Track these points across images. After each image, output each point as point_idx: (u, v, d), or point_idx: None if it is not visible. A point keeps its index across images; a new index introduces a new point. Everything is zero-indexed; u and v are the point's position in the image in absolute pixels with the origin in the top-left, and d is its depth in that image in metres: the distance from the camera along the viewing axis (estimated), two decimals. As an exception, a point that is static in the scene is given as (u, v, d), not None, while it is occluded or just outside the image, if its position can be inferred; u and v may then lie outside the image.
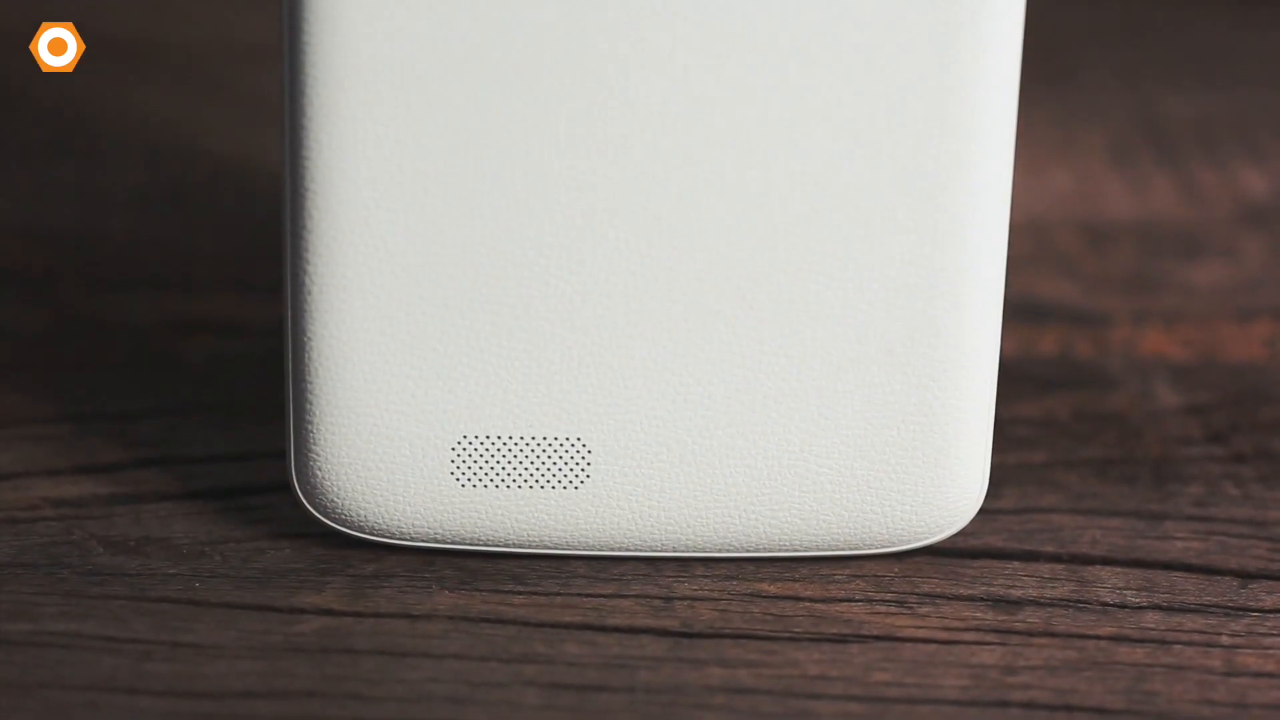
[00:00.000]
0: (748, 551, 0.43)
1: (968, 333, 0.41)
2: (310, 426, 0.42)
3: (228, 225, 0.59)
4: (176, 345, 0.52)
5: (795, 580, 0.43)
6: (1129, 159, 0.66)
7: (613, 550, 0.42)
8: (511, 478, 0.42)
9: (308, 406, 0.42)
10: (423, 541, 0.42)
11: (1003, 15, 0.40)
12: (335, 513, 0.42)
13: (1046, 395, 0.51)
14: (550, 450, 0.42)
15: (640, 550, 0.42)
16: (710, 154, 0.40)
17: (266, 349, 0.51)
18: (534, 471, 0.42)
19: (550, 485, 0.42)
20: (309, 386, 0.41)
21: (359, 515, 0.42)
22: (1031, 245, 0.59)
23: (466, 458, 0.42)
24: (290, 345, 0.42)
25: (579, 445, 0.42)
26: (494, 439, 0.42)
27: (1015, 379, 0.51)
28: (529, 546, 0.42)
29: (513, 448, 0.42)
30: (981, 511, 0.44)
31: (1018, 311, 0.55)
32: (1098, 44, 0.78)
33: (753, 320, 0.41)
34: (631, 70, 0.40)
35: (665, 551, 0.42)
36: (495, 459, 0.42)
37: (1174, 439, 0.49)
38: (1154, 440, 0.49)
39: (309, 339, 0.41)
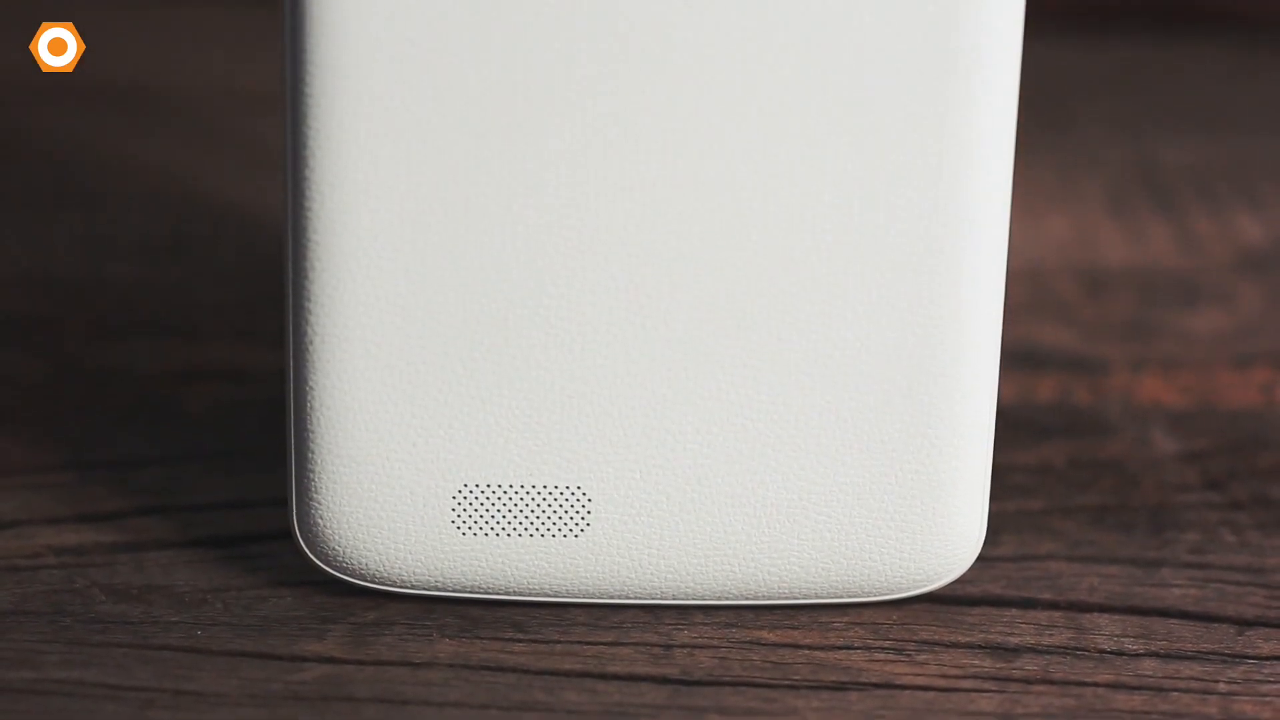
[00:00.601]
0: (747, 599, 0.43)
1: (966, 380, 0.42)
2: (311, 474, 0.42)
3: (230, 273, 0.59)
4: (179, 393, 0.52)
5: (794, 628, 0.43)
6: (1127, 206, 0.67)
7: (612, 598, 0.43)
8: (512, 526, 0.42)
9: (309, 454, 0.42)
10: (424, 589, 0.43)
11: (1000, 64, 0.40)
12: (337, 560, 0.42)
13: (1044, 442, 0.51)
14: (550, 499, 0.42)
15: (640, 598, 0.43)
16: (710, 206, 0.40)
17: (268, 396, 0.51)
18: (534, 520, 0.42)
19: (550, 534, 0.42)
20: (310, 434, 0.42)
21: (360, 563, 0.42)
22: (1030, 292, 0.60)
23: (467, 506, 0.42)
24: (292, 393, 0.42)
25: (579, 494, 0.42)
26: (494, 488, 0.42)
27: (1014, 426, 0.51)
28: (529, 594, 0.43)
29: (513, 496, 0.42)
30: (980, 559, 0.44)
31: (1016, 358, 0.55)
32: (1096, 93, 0.78)
33: (751, 369, 0.41)
34: (629, 135, 0.40)
35: (665, 599, 0.43)
36: (496, 507, 0.42)
37: (1171, 486, 0.49)
38: (1151, 487, 0.49)
39: (310, 388, 0.41)
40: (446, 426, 0.41)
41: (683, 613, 0.43)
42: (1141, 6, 0.86)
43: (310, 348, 0.41)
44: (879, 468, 0.42)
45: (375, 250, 0.41)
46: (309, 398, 0.41)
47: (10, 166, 0.68)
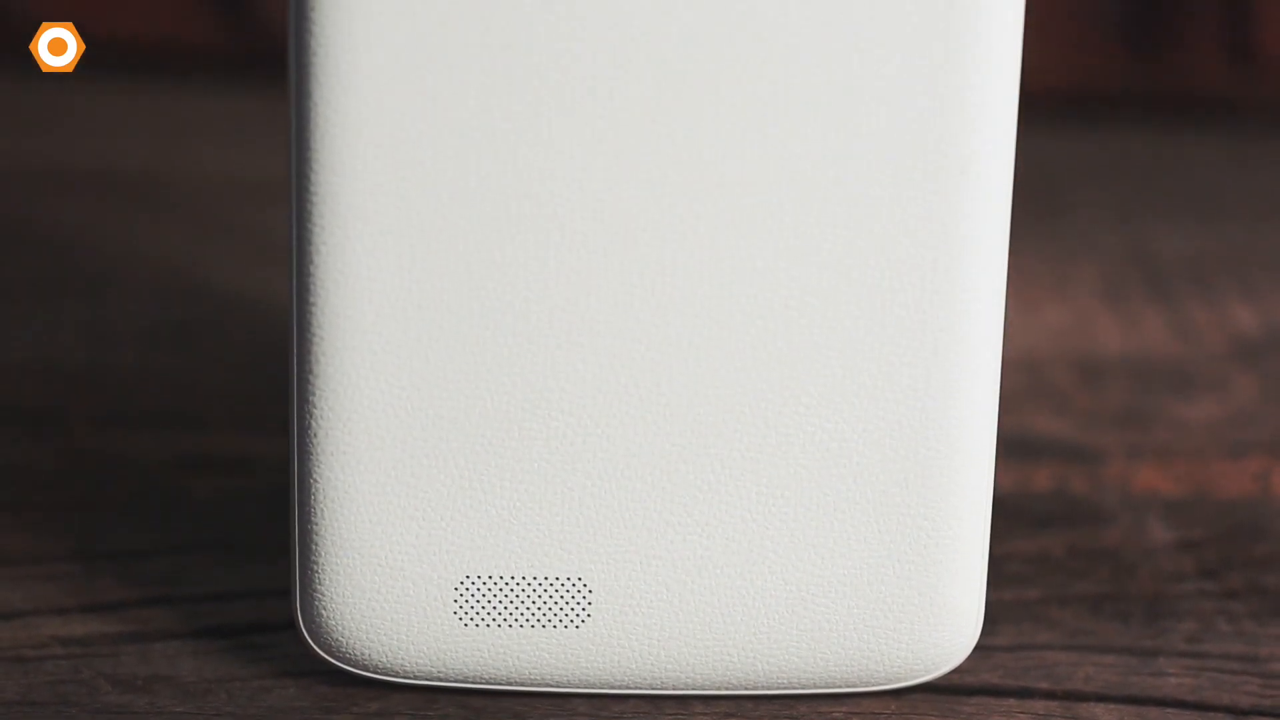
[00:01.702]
0: (746, 689, 0.43)
1: (962, 471, 0.42)
2: (315, 565, 0.42)
3: (235, 362, 0.60)
4: (184, 482, 0.53)
5: (793, 718, 0.43)
6: (1122, 295, 0.67)
7: (614, 688, 0.43)
8: (514, 617, 0.42)
9: (312, 546, 0.42)
10: (426, 680, 0.43)
11: (994, 157, 0.41)
12: (340, 651, 0.43)
13: (1041, 532, 0.51)
14: (551, 590, 0.42)
15: (641, 688, 0.43)
16: (707, 302, 0.41)
17: (273, 486, 0.52)
18: (536, 611, 0.42)
19: (552, 625, 0.42)
20: (314, 526, 0.42)
21: (363, 654, 0.43)
22: (1026, 381, 0.60)
23: (469, 597, 0.42)
24: (296, 484, 0.42)
25: (580, 585, 0.42)
26: (496, 579, 0.42)
27: (1010, 515, 0.52)
28: (531, 685, 0.43)
29: (515, 587, 0.42)
30: (977, 648, 0.45)
31: (1012, 448, 0.55)
32: (1091, 182, 0.79)
33: (750, 461, 0.42)
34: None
35: (665, 689, 0.43)
36: (497, 598, 0.42)
37: (1167, 575, 0.49)
38: (1148, 576, 0.49)
39: (314, 479, 0.42)
40: (448, 519, 0.42)
41: (683, 702, 0.43)
42: (1136, 95, 0.87)
43: (314, 440, 0.42)
44: (877, 558, 0.42)
45: (379, 344, 0.41)
46: (312, 489, 0.42)
47: (16, 254, 0.68)
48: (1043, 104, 0.83)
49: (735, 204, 0.41)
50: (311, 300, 0.41)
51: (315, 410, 0.41)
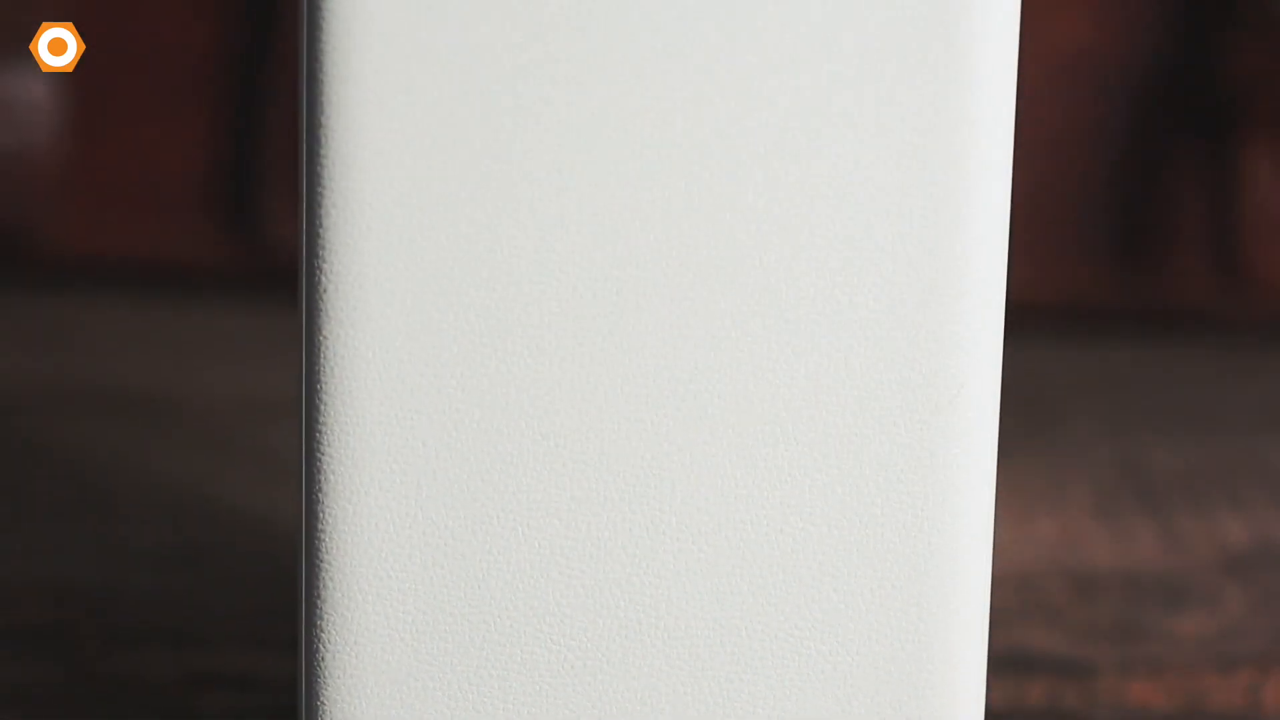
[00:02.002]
0: None
1: (957, 689, 0.43)
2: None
3: (244, 582, 0.61)
4: (191, 700, 0.53)
5: None
6: (1113, 508, 0.68)
7: None
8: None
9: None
10: None
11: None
12: None
13: (1035, 746, 0.52)
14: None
15: None
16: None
17: (280, 705, 0.52)
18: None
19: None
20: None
21: None
22: (1019, 597, 0.61)
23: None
24: (304, 706, 0.43)
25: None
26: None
27: (1005, 730, 0.52)
28: None
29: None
30: None
31: (1005, 663, 0.56)
32: (1084, 394, 0.80)
33: (731, 673, 0.42)
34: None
35: None
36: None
37: (1160, 789, 0.50)
38: (1140, 790, 0.50)
39: (320, 703, 0.43)
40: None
41: None
42: (1127, 311, 0.88)
43: (320, 662, 0.42)
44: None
45: (386, 570, 0.42)
46: (319, 712, 0.43)
47: (28, 474, 0.69)
48: (1036, 319, 0.84)
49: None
50: (319, 524, 0.42)
51: (323, 635, 0.42)
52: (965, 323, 0.42)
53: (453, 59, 0.41)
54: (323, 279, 0.41)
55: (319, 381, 0.42)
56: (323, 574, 0.42)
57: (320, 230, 0.41)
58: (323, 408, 0.42)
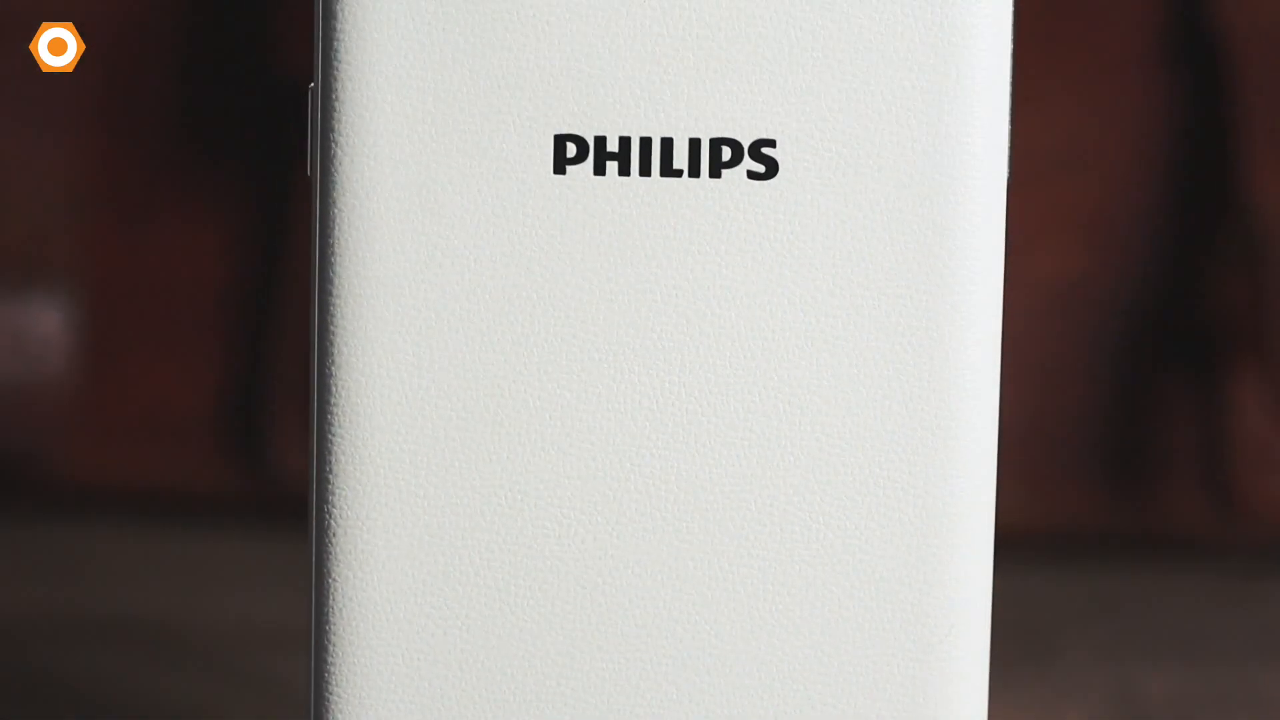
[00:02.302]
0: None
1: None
2: None
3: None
4: None
5: None
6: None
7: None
8: None
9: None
10: None
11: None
12: None
13: None
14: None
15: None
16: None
17: None
18: None
19: None
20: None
21: None
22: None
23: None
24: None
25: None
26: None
27: None
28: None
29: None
30: None
31: None
32: (1077, 622, 0.81)
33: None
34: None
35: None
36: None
37: None
38: None
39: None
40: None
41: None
42: (1119, 537, 0.89)
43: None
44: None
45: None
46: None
47: (34, 706, 0.69)
48: (1027, 547, 0.85)
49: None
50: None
51: None
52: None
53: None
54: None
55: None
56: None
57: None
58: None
